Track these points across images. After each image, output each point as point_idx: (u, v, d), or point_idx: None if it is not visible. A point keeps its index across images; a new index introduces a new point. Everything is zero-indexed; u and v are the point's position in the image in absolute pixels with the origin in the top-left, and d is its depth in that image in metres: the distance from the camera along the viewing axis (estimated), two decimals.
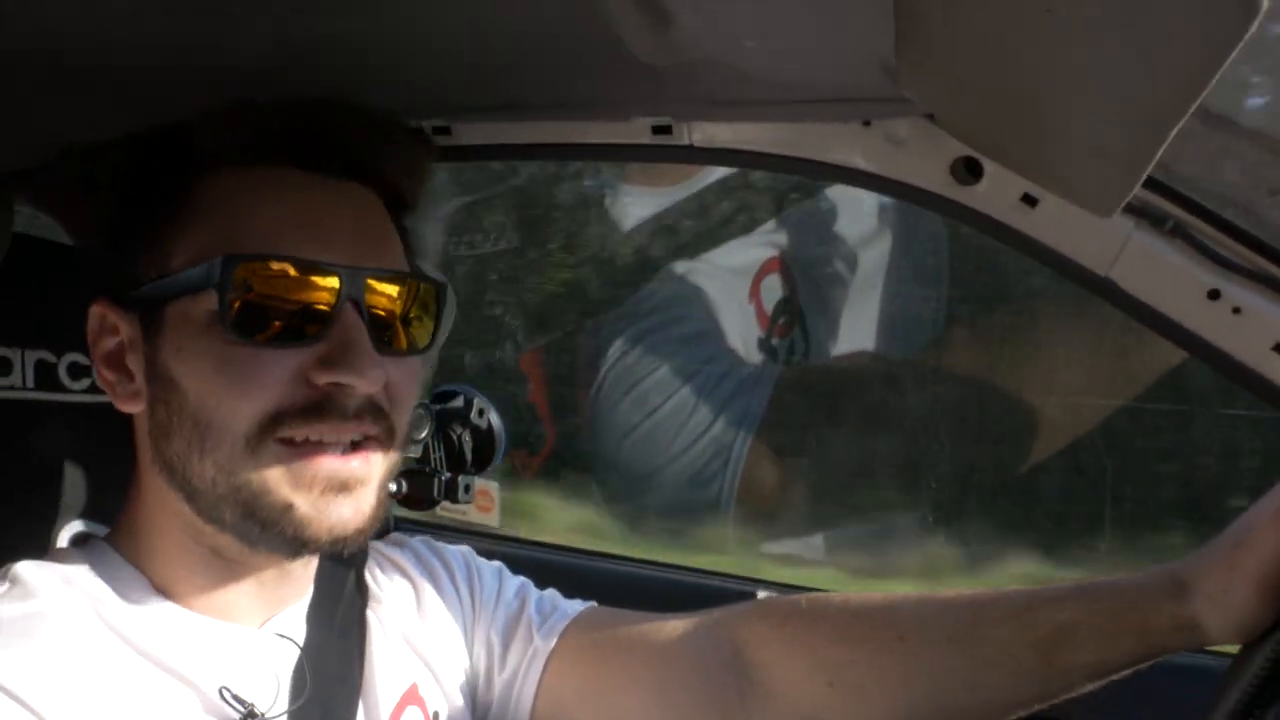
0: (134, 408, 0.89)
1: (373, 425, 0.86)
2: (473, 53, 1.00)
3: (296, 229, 0.86)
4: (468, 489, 1.37)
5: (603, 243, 3.09)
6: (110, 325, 0.89)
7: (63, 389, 1.16)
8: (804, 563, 2.59)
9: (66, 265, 1.15)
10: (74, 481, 1.14)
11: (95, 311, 0.90)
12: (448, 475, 1.35)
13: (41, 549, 0.96)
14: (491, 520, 1.44)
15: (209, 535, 0.88)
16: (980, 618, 0.94)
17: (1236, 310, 1.03)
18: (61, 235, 1.39)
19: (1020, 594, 0.94)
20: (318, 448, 0.84)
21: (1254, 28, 0.54)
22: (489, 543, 1.53)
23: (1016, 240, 1.07)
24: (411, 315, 0.92)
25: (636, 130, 1.13)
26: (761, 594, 1.36)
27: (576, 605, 1.14)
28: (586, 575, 1.48)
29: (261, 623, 0.93)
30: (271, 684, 0.91)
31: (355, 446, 0.86)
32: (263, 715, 0.87)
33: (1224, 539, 0.84)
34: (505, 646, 1.10)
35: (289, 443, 0.83)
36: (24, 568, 0.87)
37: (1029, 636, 0.90)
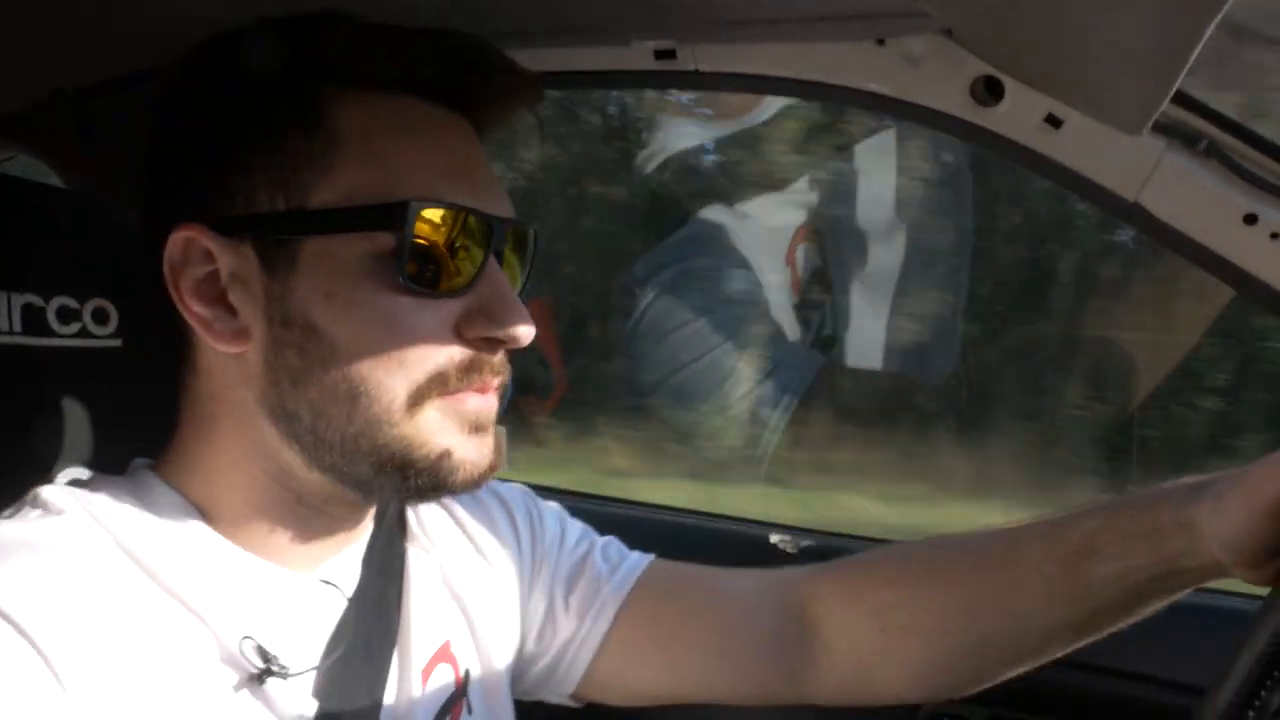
0: (235, 347, 0.81)
1: (504, 372, 0.84)
2: None
3: (450, 173, 0.82)
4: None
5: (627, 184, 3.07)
6: (201, 253, 0.80)
7: (51, 334, 1.13)
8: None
9: (52, 207, 1.12)
10: (64, 428, 1.11)
11: (181, 237, 0.79)
12: None
13: (30, 490, 0.92)
14: (501, 464, 1.41)
15: (310, 484, 0.84)
16: (1014, 541, 0.96)
17: (1275, 235, 0.98)
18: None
19: (1052, 516, 0.95)
20: (468, 395, 0.82)
21: None
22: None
23: (1040, 164, 1.02)
24: (520, 260, 0.90)
25: (638, 55, 1.08)
26: (774, 537, 1.33)
27: (643, 557, 1.11)
28: (593, 518, 1.45)
29: (312, 568, 0.88)
30: (309, 633, 0.86)
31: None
32: (284, 669, 0.82)
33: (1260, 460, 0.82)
34: (568, 595, 1.07)
35: (448, 394, 0.80)
36: (49, 491, 0.82)
37: (1057, 551, 0.92)
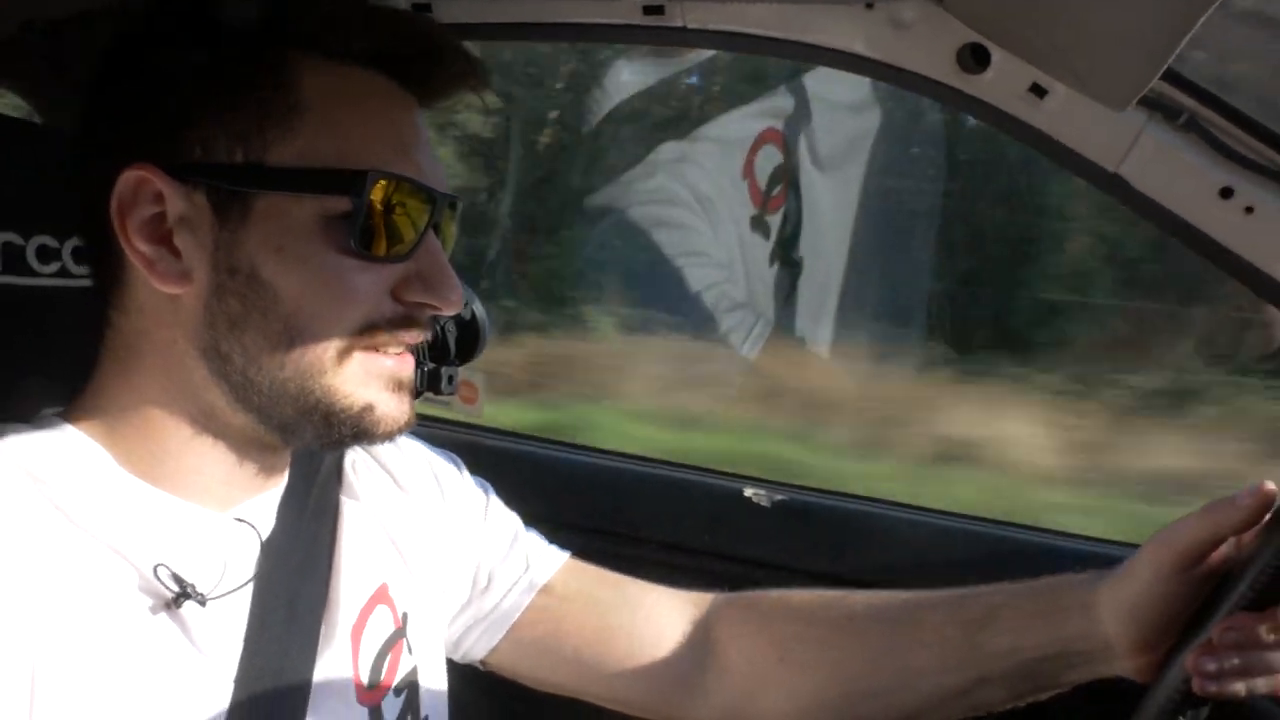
0: (175, 288, 0.84)
1: (428, 335, 0.91)
2: None
3: (400, 147, 0.87)
4: (451, 380, 1.34)
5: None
6: (151, 194, 0.83)
7: (31, 273, 1.12)
8: None
9: (31, 143, 1.11)
10: (45, 367, 1.11)
11: (133, 176, 0.82)
12: (431, 366, 1.32)
13: None
14: (476, 412, 1.42)
15: (232, 425, 0.88)
16: (920, 604, 1.06)
17: (1249, 209, 0.99)
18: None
19: (958, 589, 1.05)
20: (395, 354, 0.89)
21: None
22: (472, 434, 1.51)
23: (1022, 132, 1.03)
24: (450, 233, 0.95)
25: (627, 9, 1.08)
26: (748, 490, 1.34)
27: (559, 557, 1.18)
28: (566, 468, 1.46)
29: (226, 508, 0.92)
30: (219, 567, 0.89)
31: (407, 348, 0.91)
32: (200, 596, 0.85)
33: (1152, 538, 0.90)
34: (489, 573, 1.14)
35: (371, 349, 0.87)
36: None
37: (958, 617, 1.02)
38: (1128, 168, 1.01)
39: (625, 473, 1.45)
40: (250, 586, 0.90)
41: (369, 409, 0.87)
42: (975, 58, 1.01)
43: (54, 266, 1.13)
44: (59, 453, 0.85)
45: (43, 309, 1.13)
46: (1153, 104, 0.98)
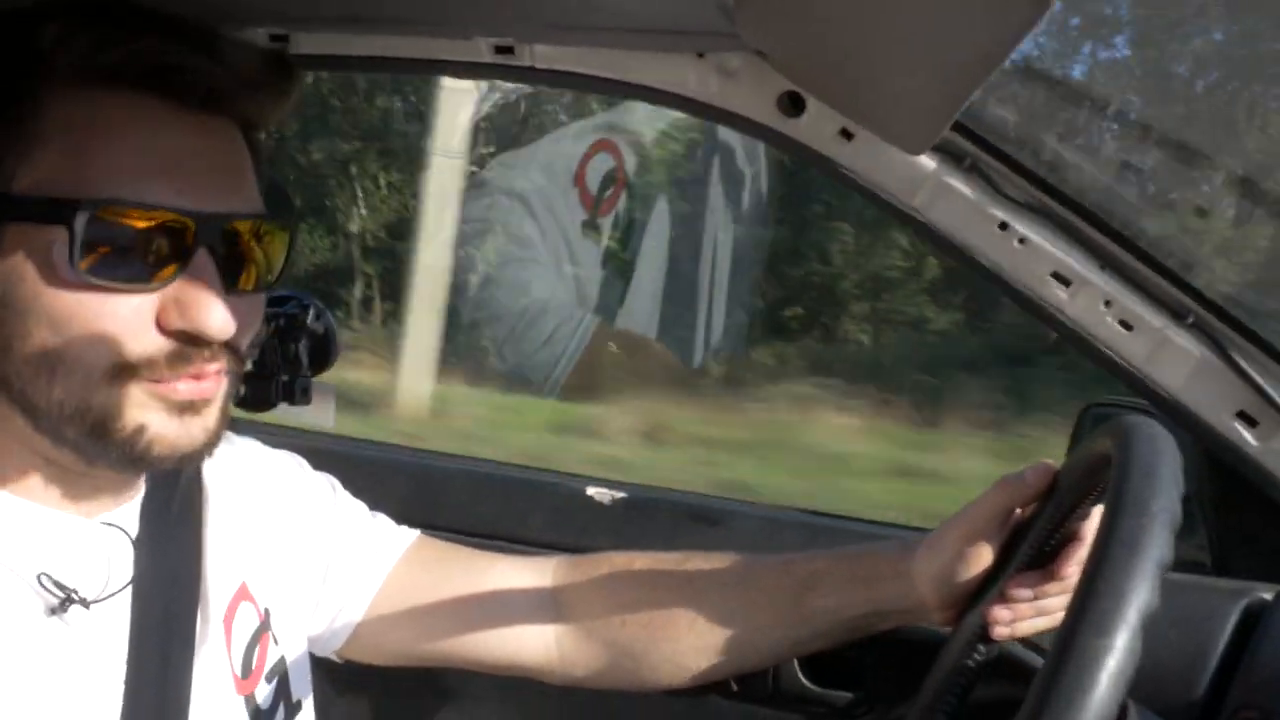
0: None
1: (223, 359, 0.87)
2: None
3: (154, 171, 0.82)
4: (305, 391, 1.39)
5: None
6: None
7: None
8: None
9: None
10: None
11: None
12: (285, 378, 1.37)
13: None
14: (327, 420, 1.46)
15: (44, 446, 0.87)
16: (753, 567, 1.14)
17: (1022, 241, 1.15)
18: None
19: (785, 555, 1.14)
20: (178, 383, 0.85)
21: (1043, 20, 0.63)
22: (325, 442, 1.55)
23: (833, 171, 1.15)
24: (262, 252, 0.91)
25: (478, 49, 1.15)
26: (590, 490, 1.44)
27: (408, 535, 1.22)
28: (416, 471, 1.53)
29: (93, 515, 0.93)
30: (99, 572, 0.91)
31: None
32: (84, 600, 0.87)
33: (962, 508, 1.03)
34: (340, 562, 1.17)
35: (152, 382, 0.83)
36: None
37: (786, 581, 1.11)
38: (922, 204, 1.15)
39: (473, 475, 1.52)
40: (129, 589, 0.93)
41: (140, 430, 0.84)
42: (793, 104, 1.13)
43: None
44: None
45: None
46: (942, 149, 1.13)
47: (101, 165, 0.81)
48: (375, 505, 1.23)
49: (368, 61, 1.21)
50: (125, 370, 0.82)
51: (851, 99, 1.07)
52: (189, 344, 0.83)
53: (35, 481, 0.89)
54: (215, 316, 0.82)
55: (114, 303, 0.81)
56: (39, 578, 0.86)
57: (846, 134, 1.13)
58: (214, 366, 0.86)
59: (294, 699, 1.09)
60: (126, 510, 0.96)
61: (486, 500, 1.45)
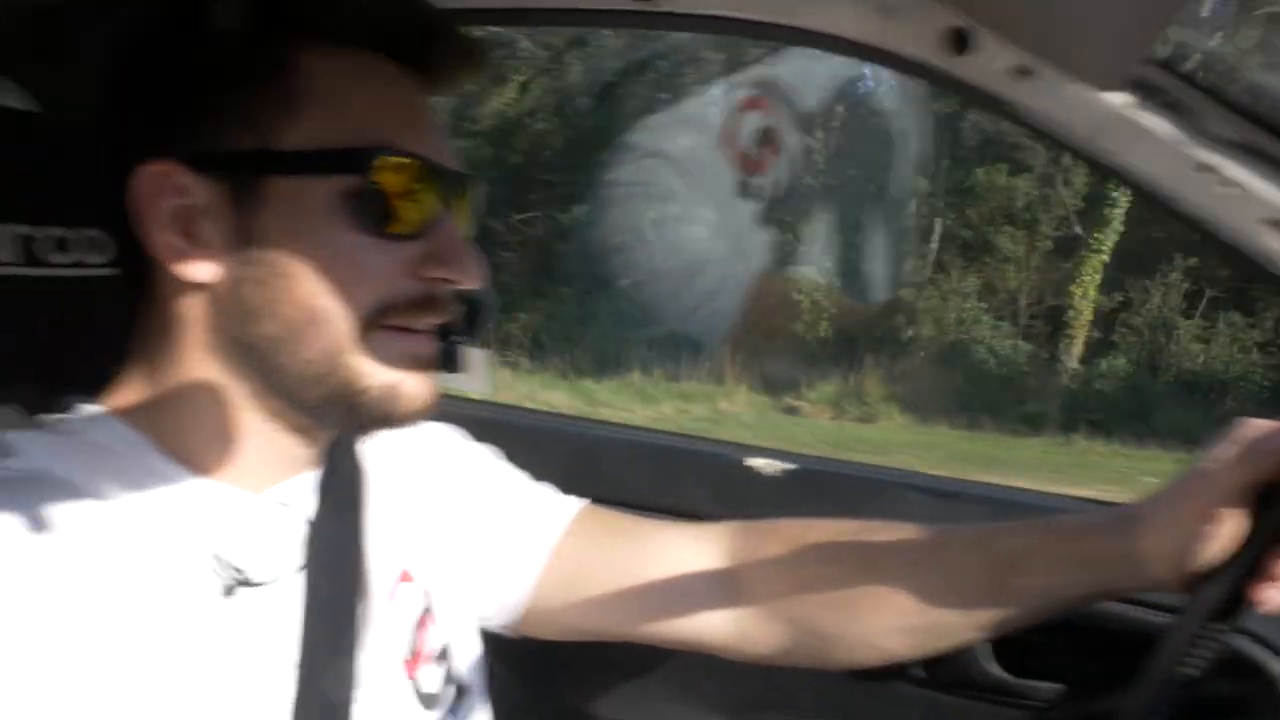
0: (200, 277, 0.86)
1: (449, 314, 0.91)
2: None
3: (408, 126, 0.88)
4: (453, 357, 1.37)
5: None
6: (173, 186, 0.84)
7: (47, 263, 1.15)
8: None
9: (36, 135, 1.13)
10: (63, 354, 1.14)
11: (154, 170, 0.84)
12: (441, 345, 1.35)
13: (32, 417, 0.96)
14: (484, 387, 1.45)
15: (263, 411, 0.90)
16: (944, 544, 1.05)
17: (1228, 183, 1.02)
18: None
19: (983, 526, 1.04)
20: (414, 333, 0.89)
21: None
22: (480, 409, 1.54)
23: (1007, 111, 1.04)
24: (468, 216, 0.96)
25: None
26: (750, 460, 1.37)
27: (573, 505, 1.19)
28: (572, 440, 1.49)
29: (263, 489, 0.94)
30: (271, 551, 0.92)
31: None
32: (256, 581, 0.88)
33: (1178, 479, 0.92)
34: (502, 544, 1.15)
35: (391, 329, 0.87)
36: (9, 436, 0.87)
37: (984, 559, 1.01)
38: (1111, 145, 1.03)
39: (631, 444, 1.48)
40: (299, 569, 0.93)
41: (392, 388, 0.88)
42: (960, 40, 1.03)
43: (69, 257, 1.16)
44: (104, 444, 0.88)
45: (60, 298, 1.16)
46: (1134, 84, 1.00)
47: (366, 120, 0.86)
48: (530, 475, 1.21)
49: (508, 14, 1.17)
50: (377, 318, 0.85)
51: (1031, 32, 0.96)
52: (434, 291, 0.88)
53: (220, 455, 0.90)
54: (471, 264, 0.89)
55: (378, 252, 0.85)
56: (209, 559, 0.87)
57: (1023, 70, 1.02)
58: (439, 321, 0.91)
59: (459, 682, 1.08)
60: (297, 485, 0.96)
61: (644, 470, 1.41)
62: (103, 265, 1.17)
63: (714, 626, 1.12)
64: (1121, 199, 10.71)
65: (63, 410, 0.94)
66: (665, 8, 1.07)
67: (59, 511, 0.81)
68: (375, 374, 0.87)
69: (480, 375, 1.44)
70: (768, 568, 1.10)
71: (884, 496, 1.35)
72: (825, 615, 1.08)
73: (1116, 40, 0.83)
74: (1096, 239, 10.61)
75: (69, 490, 0.83)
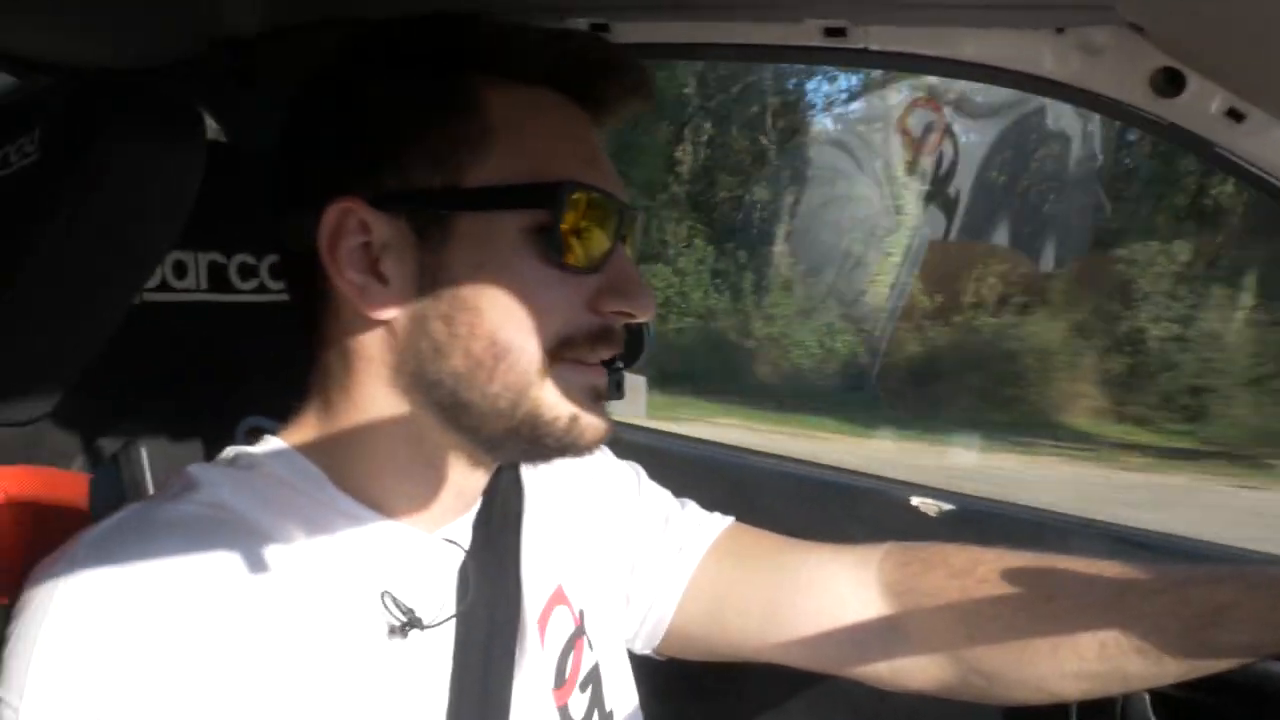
0: (383, 313, 0.87)
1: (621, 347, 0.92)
2: None
3: (591, 163, 0.90)
4: (619, 385, 1.37)
5: None
6: (358, 224, 0.86)
7: (233, 289, 1.18)
8: None
9: (230, 167, 1.16)
10: (246, 377, 1.17)
11: (339, 208, 0.85)
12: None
13: (218, 440, 0.99)
14: (638, 412, 1.44)
15: (442, 446, 0.91)
16: (1130, 589, 0.97)
17: None
18: None
19: (1174, 570, 0.97)
20: (589, 365, 0.89)
21: None
22: (635, 435, 1.54)
23: (1215, 155, 1.00)
24: (635, 248, 0.97)
25: (808, 32, 1.08)
26: (914, 500, 1.34)
27: (718, 524, 1.17)
28: (730, 471, 1.48)
29: (435, 528, 0.95)
30: (436, 589, 0.93)
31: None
32: (421, 622, 0.89)
33: None
34: (646, 561, 1.14)
35: (571, 362, 0.87)
36: (196, 469, 0.89)
37: (1182, 612, 0.93)
38: None
39: (788, 476, 1.46)
40: (460, 608, 0.94)
41: (574, 420, 0.88)
42: (1170, 82, 0.99)
43: (253, 283, 1.19)
44: (285, 478, 0.89)
45: (243, 323, 1.20)
46: None
47: (549, 155, 0.87)
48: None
49: (689, 49, 1.16)
50: (558, 351, 0.86)
51: (1247, 75, 0.92)
52: (610, 323, 0.89)
53: (396, 492, 0.91)
54: (646, 298, 0.90)
55: (560, 285, 0.86)
56: (382, 596, 0.88)
57: (1235, 114, 0.98)
58: (612, 354, 0.91)
59: (608, 707, 1.08)
60: (463, 522, 0.98)
61: (801, 505, 1.39)
62: (283, 291, 1.20)
63: (865, 657, 1.08)
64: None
65: (245, 440, 0.96)
66: (857, 44, 1.05)
67: (241, 546, 0.83)
68: (559, 406, 0.87)
69: (636, 401, 1.43)
70: (929, 599, 1.05)
71: (1056, 540, 1.30)
72: (993, 655, 1.02)
73: None
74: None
75: (251, 526, 0.85)
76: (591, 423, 0.90)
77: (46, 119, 0.93)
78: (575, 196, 0.86)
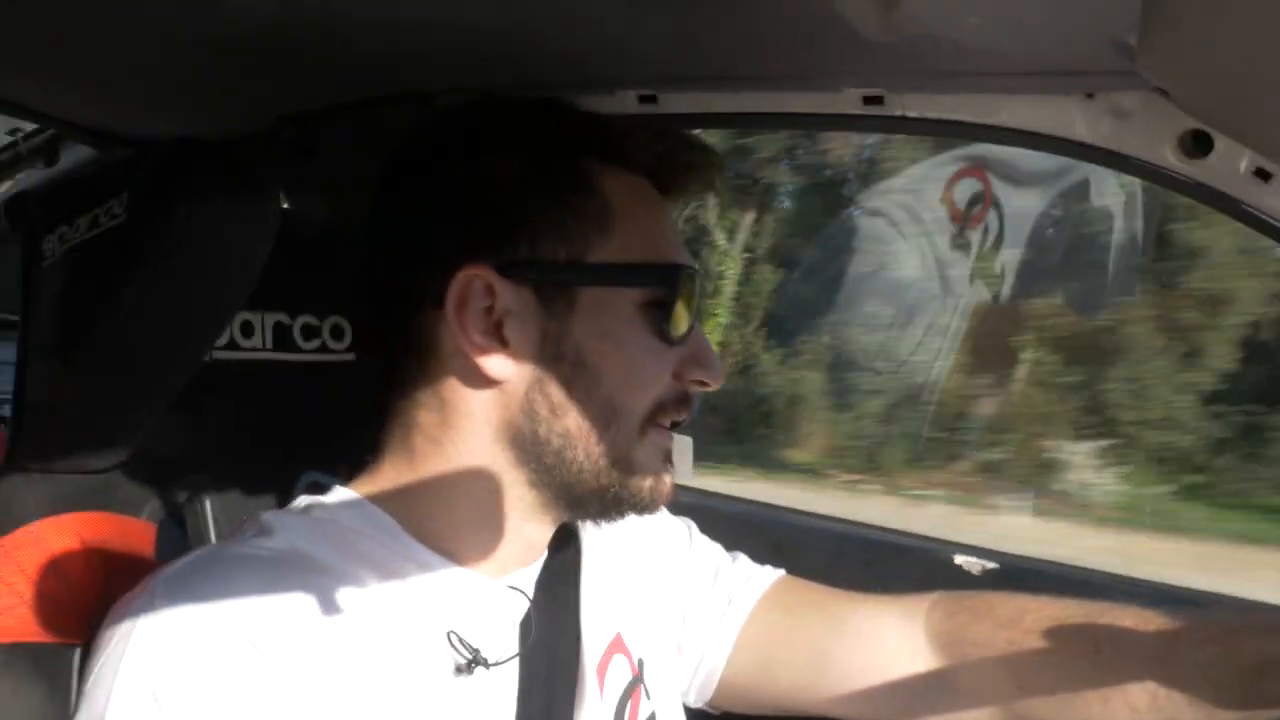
0: (504, 373, 0.92)
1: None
2: (688, 22, 1.02)
3: (681, 246, 1.00)
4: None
5: None
6: (484, 289, 0.91)
7: (297, 349, 1.24)
8: None
9: (294, 233, 1.22)
10: (307, 434, 1.22)
11: (468, 274, 0.91)
12: None
13: (279, 494, 1.03)
14: (684, 473, 1.47)
15: (525, 501, 0.96)
16: (1180, 639, 0.97)
17: None
18: None
19: (1222, 620, 0.98)
20: (666, 429, 0.97)
21: None
22: (682, 495, 1.56)
23: (1246, 215, 1.03)
24: None
25: (847, 101, 1.12)
26: (958, 559, 1.35)
27: (767, 577, 1.20)
28: (774, 529, 1.50)
29: (502, 575, 0.98)
30: (501, 633, 0.96)
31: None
32: (487, 661, 0.92)
33: None
34: (697, 612, 1.17)
35: (658, 427, 0.96)
36: (270, 515, 0.94)
37: (1233, 663, 0.94)
38: None
39: (831, 534, 1.47)
40: (523, 651, 0.97)
41: (656, 480, 0.97)
42: (1197, 143, 1.02)
43: (315, 343, 1.25)
44: (357, 527, 0.93)
45: (305, 381, 1.25)
46: None
47: (657, 237, 0.98)
48: None
49: (734, 118, 1.21)
50: (652, 417, 0.95)
51: (1273, 137, 0.95)
52: (689, 390, 0.97)
53: (468, 541, 0.95)
54: (719, 368, 0.99)
55: (661, 355, 0.95)
56: (449, 635, 0.91)
57: (1263, 174, 1.01)
58: (688, 417, 0.99)
59: None
60: (529, 573, 1.01)
61: (845, 563, 1.40)
62: (344, 350, 1.25)
63: (915, 709, 1.09)
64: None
65: (310, 490, 1.00)
66: (895, 112, 1.10)
67: (313, 586, 0.87)
68: (648, 467, 0.95)
69: (684, 461, 1.46)
70: (977, 649, 1.07)
71: (1092, 595, 1.29)
72: (1044, 706, 1.03)
73: None
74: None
75: (324, 571, 0.89)
76: (665, 484, 0.98)
77: (133, 184, 0.99)
78: (685, 277, 0.95)
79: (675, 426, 0.99)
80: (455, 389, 0.94)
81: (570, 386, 0.92)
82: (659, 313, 0.94)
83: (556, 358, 0.92)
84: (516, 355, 0.92)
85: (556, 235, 0.92)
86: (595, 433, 0.92)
